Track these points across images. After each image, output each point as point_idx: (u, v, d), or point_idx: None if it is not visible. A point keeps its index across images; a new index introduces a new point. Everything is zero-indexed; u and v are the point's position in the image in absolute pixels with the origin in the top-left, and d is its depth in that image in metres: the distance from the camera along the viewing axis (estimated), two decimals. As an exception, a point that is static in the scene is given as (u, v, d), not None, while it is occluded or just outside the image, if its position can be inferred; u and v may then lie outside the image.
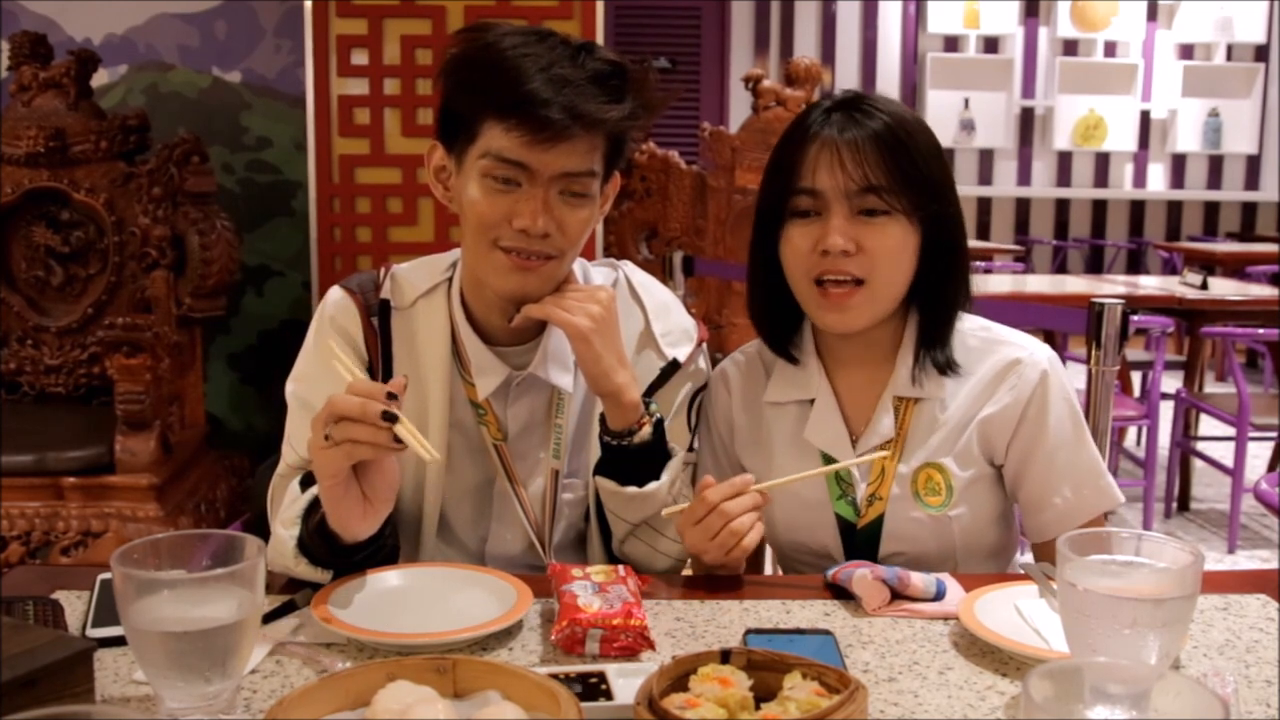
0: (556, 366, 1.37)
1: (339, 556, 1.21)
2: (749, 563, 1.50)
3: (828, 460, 1.38)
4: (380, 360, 1.39)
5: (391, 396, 1.11)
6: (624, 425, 1.31)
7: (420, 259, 1.46)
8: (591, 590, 1.12)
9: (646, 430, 1.31)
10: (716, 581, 1.31)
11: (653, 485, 1.32)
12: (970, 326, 1.42)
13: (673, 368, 1.42)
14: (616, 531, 1.38)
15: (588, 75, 1.24)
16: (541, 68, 1.23)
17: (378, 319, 1.40)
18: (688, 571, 1.40)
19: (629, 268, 1.48)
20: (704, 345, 1.47)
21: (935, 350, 1.38)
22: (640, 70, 1.30)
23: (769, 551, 1.58)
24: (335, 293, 1.42)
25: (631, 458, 1.32)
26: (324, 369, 1.35)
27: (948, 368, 1.38)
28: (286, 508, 1.28)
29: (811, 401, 1.42)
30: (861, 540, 1.38)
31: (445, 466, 1.38)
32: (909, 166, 1.31)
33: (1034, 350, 1.39)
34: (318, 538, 1.21)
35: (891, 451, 1.37)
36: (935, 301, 1.38)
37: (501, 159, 1.25)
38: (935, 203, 1.34)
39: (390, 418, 1.10)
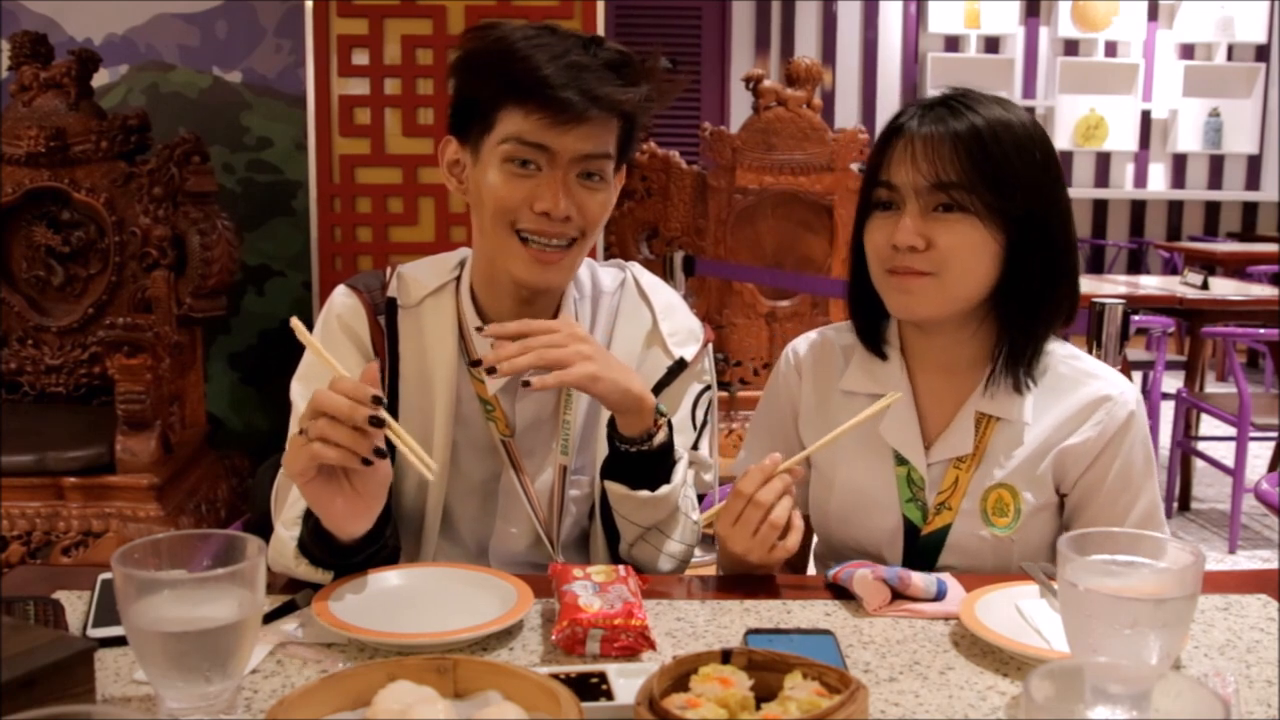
0: None
1: (339, 557, 1.21)
2: (792, 564, 1.48)
3: (900, 459, 1.38)
4: (387, 359, 1.39)
5: (378, 401, 1.10)
6: (641, 430, 1.31)
7: (427, 258, 1.47)
8: (592, 590, 1.12)
9: (663, 433, 1.31)
10: (717, 581, 1.31)
11: (665, 488, 1.32)
12: (1062, 354, 1.40)
13: (679, 366, 1.43)
14: (626, 535, 1.38)
15: (601, 62, 1.27)
16: (555, 55, 1.26)
17: (384, 318, 1.40)
18: (689, 572, 1.40)
19: (636, 269, 1.49)
20: (709, 347, 1.48)
21: (1013, 366, 1.35)
22: (648, 61, 1.33)
23: (813, 546, 1.55)
24: (341, 292, 1.42)
25: (647, 462, 1.32)
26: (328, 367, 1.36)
27: (1021, 386, 1.35)
28: (289, 507, 1.28)
29: None
30: (922, 547, 1.37)
31: (450, 463, 1.38)
32: (986, 165, 1.28)
33: (1124, 389, 1.38)
34: (317, 538, 1.21)
35: (967, 465, 1.36)
36: (1020, 314, 1.34)
37: (523, 142, 1.27)
38: (1022, 206, 1.29)
39: (377, 423, 1.09)
